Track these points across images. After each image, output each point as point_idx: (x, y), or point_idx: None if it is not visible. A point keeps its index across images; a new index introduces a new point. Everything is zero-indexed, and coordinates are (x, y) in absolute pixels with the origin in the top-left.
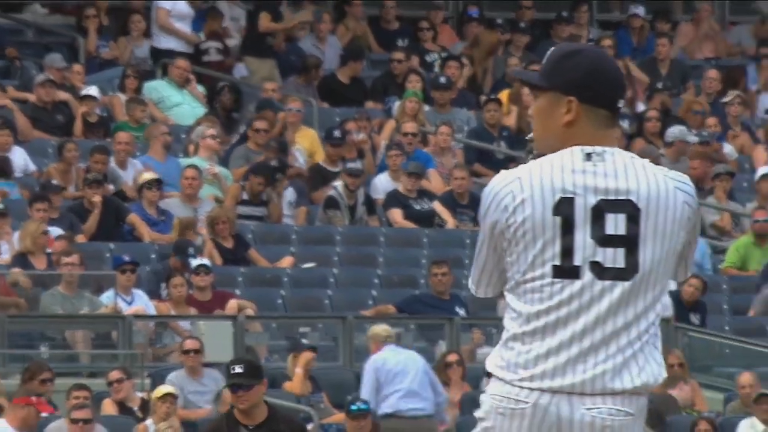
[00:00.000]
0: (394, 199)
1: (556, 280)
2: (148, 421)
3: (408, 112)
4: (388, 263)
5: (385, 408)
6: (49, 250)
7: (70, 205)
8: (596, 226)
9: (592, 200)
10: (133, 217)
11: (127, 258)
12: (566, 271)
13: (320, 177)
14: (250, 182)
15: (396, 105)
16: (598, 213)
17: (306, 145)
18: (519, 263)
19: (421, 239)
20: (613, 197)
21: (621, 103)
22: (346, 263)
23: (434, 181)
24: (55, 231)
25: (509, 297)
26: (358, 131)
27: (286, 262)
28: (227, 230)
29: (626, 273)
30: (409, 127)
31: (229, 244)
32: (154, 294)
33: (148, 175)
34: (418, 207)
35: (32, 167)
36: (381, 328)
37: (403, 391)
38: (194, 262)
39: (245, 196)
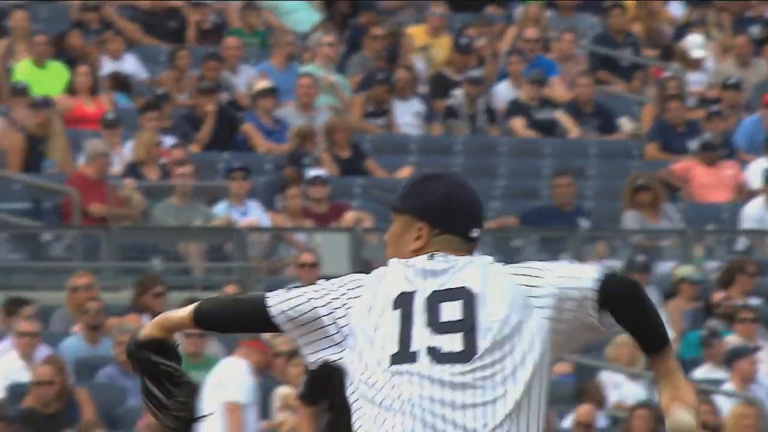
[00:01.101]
0: (515, 107)
1: (395, 367)
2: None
3: (530, 18)
4: (509, 174)
5: None
6: (162, 160)
7: (182, 114)
8: (432, 315)
9: (428, 291)
10: (248, 127)
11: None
12: (404, 357)
13: (441, 85)
14: (369, 91)
15: (518, 10)
16: (433, 302)
17: (428, 53)
18: (360, 359)
19: (544, 149)
20: (449, 286)
21: (476, 233)
22: (466, 174)
23: (557, 89)
24: (168, 140)
25: (351, 394)
26: (478, 37)
27: (405, 172)
28: (344, 140)
29: (463, 355)
30: (532, 33)
31: (346, 154)
32: (268, 205)
33: (262, 84)
34: (540, 116)
35: (144, 75)
36: None
37: None
38: (310, 173)
39: (364, 106)
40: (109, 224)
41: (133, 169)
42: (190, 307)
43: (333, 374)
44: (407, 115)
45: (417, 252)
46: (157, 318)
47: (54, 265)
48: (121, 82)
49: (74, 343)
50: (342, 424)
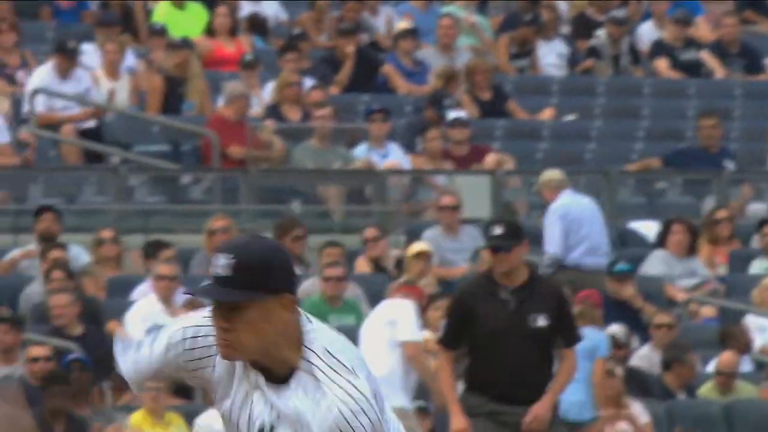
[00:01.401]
0: (659, 48)
1: None
2: (403, 280)
3: None
4: (653, 115)
5: (569, 260)
6: (301, 103)
7: (322, 56)
8: None
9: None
10: (388, 68)
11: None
12: None
13: (584, 26)
14: (513, 32)
15: None
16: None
17: None
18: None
19: (688, 90)
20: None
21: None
22: (609, 115)
23: (702, 29)
24: (308, 82)
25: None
26: None
27: (547, 114)
28: (485, 81)
29: None
30: None
31: (487, 95)
32: (408, 148)
33: (403, 24)
34: (684, 56)
35: (283, 16)
36: (554, 173)
37: (586, 241)
38: (451, 115)
39: (507, 48)
40: (247, 167)
41: (273, 111)
42: None
43: (465, 320)
44: (550, 56)
45: (290, 323)
46: None
47: (192, 208)
48: (258, 24)
49: None
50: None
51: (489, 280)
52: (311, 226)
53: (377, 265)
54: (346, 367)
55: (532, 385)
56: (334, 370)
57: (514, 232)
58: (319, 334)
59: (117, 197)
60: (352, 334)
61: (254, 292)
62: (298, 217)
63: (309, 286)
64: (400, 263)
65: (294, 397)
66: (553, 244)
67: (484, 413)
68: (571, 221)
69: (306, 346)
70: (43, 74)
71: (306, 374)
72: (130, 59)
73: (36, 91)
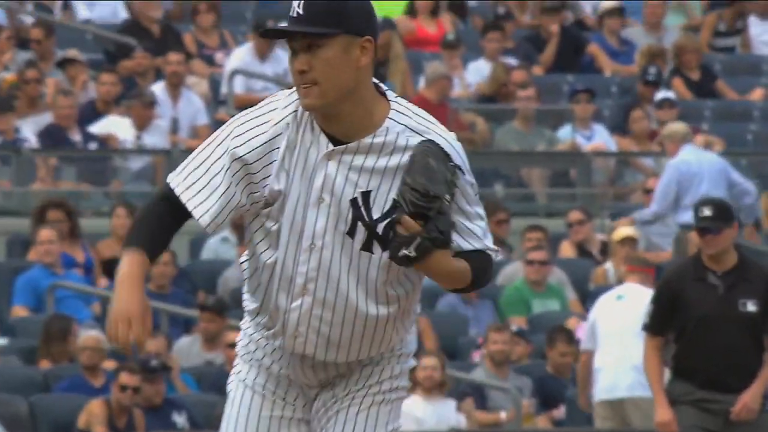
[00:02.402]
0: None
1: None
2: (607, 264)
3: None
4: None
5: (683, 217)
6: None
7: (525, 35)
8: None
9: None
10: (594, 48)
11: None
12: None
13: None
14: (722, 10)
15: None
16: None
17: None
18: None
19: None
20: None
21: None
22: None
23: None
24: (510, 62)
25: None
26: None
27: (758, 94)
28: (694, 61)
29: None
30: None
31: (695, 75)
32: (615, 129)
33: (609, 3)
34: None
35: None
36: (679, 125)
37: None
38: (659, 95)
39: (716, 25)
40: None
41: (476, 94)
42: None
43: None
44: (765, 35)
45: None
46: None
47: None
48: (458, 4)
49: None
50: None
51: (697, 264)
52: (514, 210)
53: (582, 249)
54: (435, 123)
55: (741, 371)
56: (428, 120)
57: (724, 213)
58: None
59: None
60: (557, 319)
61: (331, 29)
62: (501, 200)
63: (512, 271)
64: (605, 248)
65: (385, 149)
66: (656, 200)
67: (691, 401)
68: (688, 177)
69: (391, 99)
70: (241, 55)
71: (396, 124)
72: None
73: (234, 72)
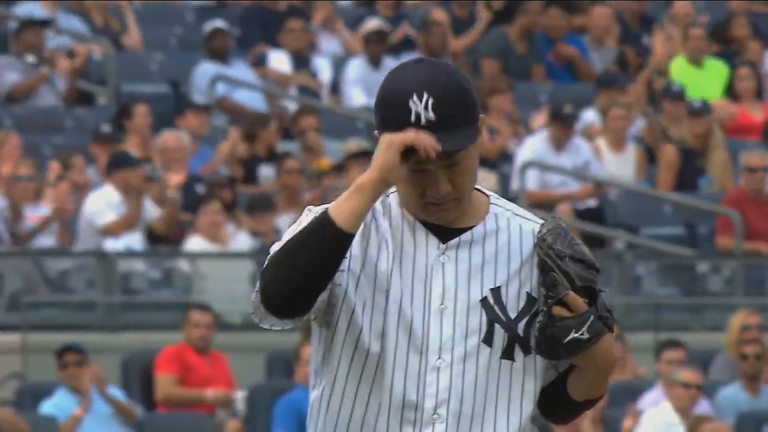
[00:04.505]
0: None
1: None
2: None
3: None
4: None
5: None
6: None
7: None
8: None
9: None
10: None
11: None
12: None
13: None
14: None
15: None
16: None
17: None
18: None
19: None
20: None
21: None
22: None
23: None
24: None
25: None
26: None
27: None
28: None
29: None
30: None
31: None
32: None
33: None
34: None
35: None
36: None
37: None
38: None
39: None
40: None
41: None
42: None
43: None
44: None
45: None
46: None
47: (711, 301)
48: None
49: (734, 393)
50: None
51: None
52: None
53: None
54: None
55: None
56: (523, 210)
57: None
58: None
59: (622, 288)
60: None
61: (473, 132)
62: None
63: None
64: None
65: (484, 241)
66: None
67: None
68: None
69: (480, 190)
70: (536, 144)
71: (502, 210)
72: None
73: (527, 164)
